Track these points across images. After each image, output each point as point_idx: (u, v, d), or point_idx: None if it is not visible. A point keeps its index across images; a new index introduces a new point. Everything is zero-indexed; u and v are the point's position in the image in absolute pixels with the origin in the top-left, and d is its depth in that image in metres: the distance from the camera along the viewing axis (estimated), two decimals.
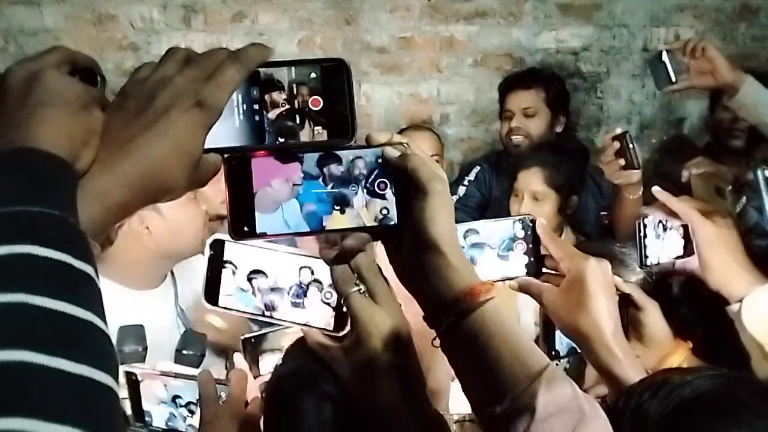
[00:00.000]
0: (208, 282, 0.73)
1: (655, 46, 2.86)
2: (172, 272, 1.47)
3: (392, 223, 0.61)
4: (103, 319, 0.41)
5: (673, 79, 1.76)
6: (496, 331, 0.59)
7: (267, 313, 0.73)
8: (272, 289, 0.73)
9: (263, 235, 0.60)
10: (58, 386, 0.36)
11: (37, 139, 0.47)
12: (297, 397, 0.74)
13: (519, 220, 0.90)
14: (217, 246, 0.73)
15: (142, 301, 1.38)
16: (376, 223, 0.61)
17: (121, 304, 1.31)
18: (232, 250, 0.73)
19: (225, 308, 0.73)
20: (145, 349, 1.17)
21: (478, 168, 2.44)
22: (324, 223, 0.61)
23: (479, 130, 2.87)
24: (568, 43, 2.84)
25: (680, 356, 1.08)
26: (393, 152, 0.61)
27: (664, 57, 1.78)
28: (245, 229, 0.59)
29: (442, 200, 0.60)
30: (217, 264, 0.73)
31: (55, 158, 0.47)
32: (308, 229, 0.60)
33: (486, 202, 2.40)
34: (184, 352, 1.23)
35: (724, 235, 1.11)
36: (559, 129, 2.36)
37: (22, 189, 0.44)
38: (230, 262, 0.73)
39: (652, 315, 1.07)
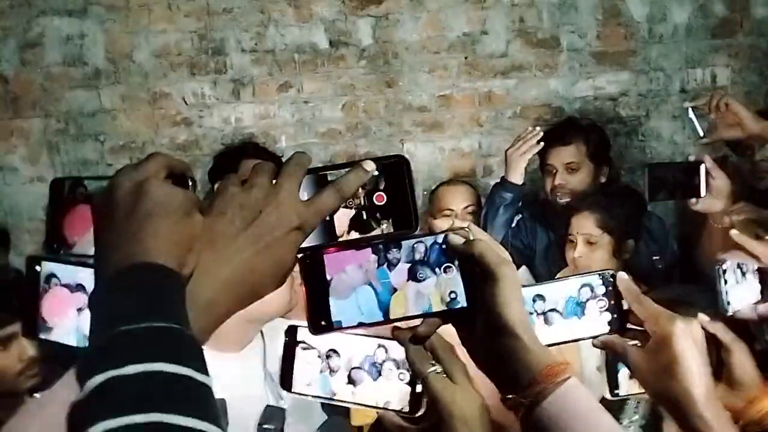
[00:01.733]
0: (282, 367, 0.76)
1: (692, 87, 2.89)
2: (261, 333, 1.47)
3: (461, 306, 0.63)
4: (220, 428, 0.44)
5: (701, 133, 1.80)
6: (577, 411, 0.60)
7: (340, 397, 0.74)
8: (349, 369, 0.74)
9: (339, 328, 0.63)
10: None
11: (150, 252, 0.50)
12: None
13: (598, 275, 0.87)
14: (291, 332, 0.76)
15: (226, 364, 1.41)
16: (445, 307, 0.63)
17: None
18: (307, 335, 0.75)
19: (299, 393, 0.75)
20: (227, 423, 1.22)
21: (520, 216, 2.47)
22: (391, 308, 0.63)
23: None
24: (605, 90, 2.89)
25: None
26: (458, 239, 0.64)
27: (690, 114, 1.83)
28: (323, 323, 0.63)
29: (512, 284, 0.62)
30: (291, 349, 0.76)
31: (167, 271, 0.50)
32: (381, 319, 0.63)
33: (529, 250, 2.41)
34: (266, 426, 1.27)
35: None
36: (603, 179, 2.38)
37: (144, 305, 0.47)
38: (306, 346, 0.76)
39: (739, 356, 1.05)
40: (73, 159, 2.83)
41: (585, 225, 1.97)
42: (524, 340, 0.61)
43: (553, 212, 2.36)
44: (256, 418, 1.28)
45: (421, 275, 0.64)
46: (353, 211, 0.61)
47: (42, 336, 0.79)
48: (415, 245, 0.64)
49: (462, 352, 0.68)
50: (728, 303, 1.17)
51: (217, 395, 1.24)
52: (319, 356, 0.74)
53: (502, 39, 2.85)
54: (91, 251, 0.56)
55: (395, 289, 0.63)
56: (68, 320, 0.79)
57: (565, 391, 0.60)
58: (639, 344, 0.82)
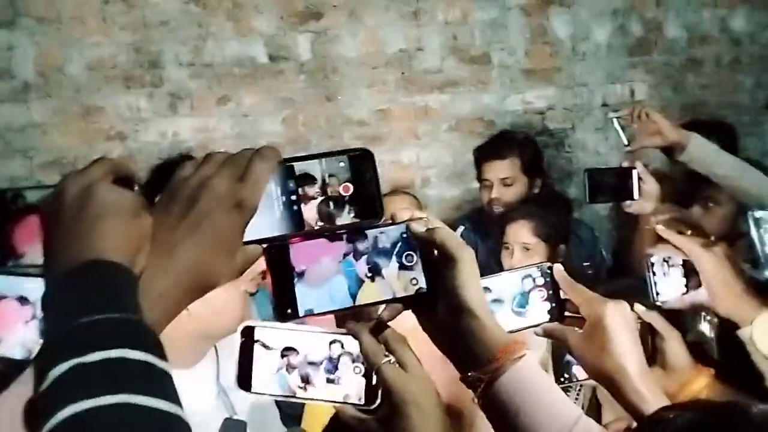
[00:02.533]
0: (240, 368, 0.76)
1: (613, 101, 3.08)
2: (215, 348, 1.46)
3: (423, 291, 0.67)
4: (182, 410, 0.47)
5: (625, 142, 1.96)
6: (532, 386, 0.65)
7: (300, 394, 0.76)
8: (307, 364, 0.76)
9: (305, 316, 0.66)
10: None
11: (100, 251, 0.51)
12: None
13: (537, 267, 0.94)
14: (247, 332, 0.76)
15: (177, 379, 1.40)
16: (407, 293, 0.67)
17: None
18: (262, 333, 0.77)
19: (258, 393, 0.76)
20: None
21: (462, 228, 2.55)
22: (357, 297, 0.67)
23: (459, 190, 3.02)
24: (534, 104, 3.03)
25: (701, 382, 1.13)
26: (420, 227, 0.68)
27: (615, 124, 1.98)
28: (288, 311, 0.66)
29: (470, 267, 0.66)
30: (248, 349, 0.76)
31: (119, 266, 0.51)
32: (346, 305, 0.67)
33: None
34: None
35: (725, 264, 1.22)
36: (536, 190, 2.49)
37: (99, 298, 0.48)
38: (262, 345, 0.76)
39: (673, 343, 1.13)
40: (0, 175, 2.72)
41: (521, 233, 2.07)
42: (482, 319, 0.65)
43: (489, 222, 2.46)
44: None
45: (385, 264, 0.67)
46: (320, 202, 0.63)
47: None
48: (379, 235, 0.68)
49: (414, 343, 0.72)
50: (657, 294, 1.27)
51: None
52: (276, 355, 0.75)
53: (437, 55, 2.95)
54: (40, 260, 0.56)
55: (361, 279, 0.67)
56: (15, 334, 0.79)
57: (521, 367, 0.65)
58: (576, 329, 0.89)
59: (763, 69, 3.17)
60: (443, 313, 0.66)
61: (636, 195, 1.87)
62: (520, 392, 0.64)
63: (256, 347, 0.76)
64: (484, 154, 2.48)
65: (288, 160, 0.61)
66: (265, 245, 0.62)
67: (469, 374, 0.67)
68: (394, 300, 0.68)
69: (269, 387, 0.76)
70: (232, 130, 2.85)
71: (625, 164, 1.94)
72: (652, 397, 0.84)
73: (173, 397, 0.46)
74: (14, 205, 0.72)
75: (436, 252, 0.67)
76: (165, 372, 0.47)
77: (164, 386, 0.46)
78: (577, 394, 1.47)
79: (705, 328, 1.61)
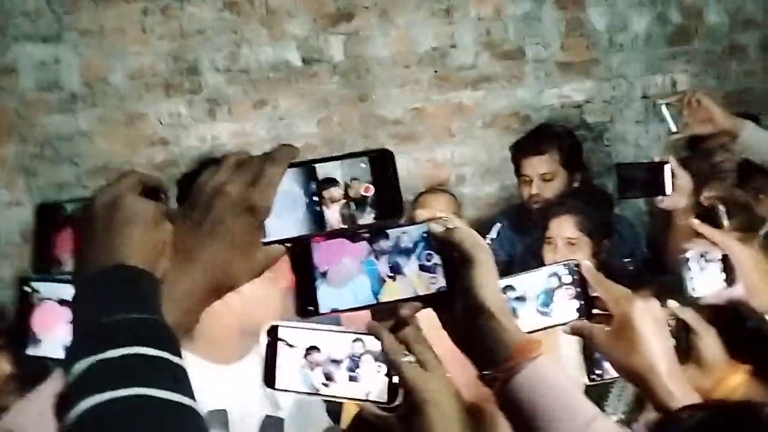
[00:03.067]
0: (266, 365, 0.78)
1: (653, 93, 3.01)
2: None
3: (442, 290, 0.68)
4: (197, 403, 0.50)
5: (674, 129, 1.90)
6: (549, 385, 0.65)
7: (323, 391, 0.77)
8: (329, 362, 0.77)
9: (326, 313, 0.67)
10: None
11: (125, 256, 0.56)
12: None
13: (564, 265, 0.92)
14: (272, 331, 0.78)
15: (224, 375, 1.44)
16: (427, 292, 0.68)
17: (205, 379, 1.38)
18: (286, 332, 0.78)
19: (282, 389, 0.78)
20: None
21: (500, 225, 2.53)
22: (379, 296, 0.68)
23: (494, 188, 3.00)
24: (571, 98, 2.99)
25: (737, 379, 1.11)
26: (438, 227, 0.69)
27: (663, 110, 1.93)
28: (310, 308, 0.68)
29: (488, 267, 0.67)
30: (273, 347, 0.78)
31: (141, 271, 0.55)
32: (366, 303, 0.68)
33: (509, 258, 2.47)
34: None
35: (762, 258, 1.20)
36: (576, 184, 2.45)
37: (121, 300, 0.53)
38: (286, 343, 0.78)
39: (707, 339, 1.12)
40: (50, 182, 2.85)
41: (565, 228, 2.04)
42: (500, 319, 0.66)
43: (528, 219, 2.44)
44: (255, 428, 1.31)
45: (405, 263, 0.69)
46: (342, 205, 0.64)
47: (30, 351, 0.83)
48: (401, 235, 0.69)
49: (435, 343, 0.72)
50: (693, 290, 1.24)
51: (217, 406, 1.28)
52: (299, 353, 0.77)
53: (470, 52, 2.94)
54: None
55: (383, 278, 0.68)
56: (57, 334, 0.83)
57: (537, 365, 0.65)
58: (605, 327, 0.87)
59: None
60: (460, 312, 0.68)
61: (668, 190, 1.83)
62: (536, 391, 0.65)
63: (280, 345, 0.78)
64: (523, 150, 2.45)
65: (309, 162, 0.63)
66: (288, 245, 0.64)
67: (486, 373, 0.68)
68: (415, 298, 0.69)
69: (293, 384, 0.78)
70: (269, 134, 2.90)
71: (657, 159, 1.90)
72: (682, 396, 0.82)
73: (187, 390, 0.50)
74: (57, 217, 0.77)
75: (455, 252, 0.68)
76: (179, 367, 0.51)
77: (178, 380, 0.50)
78: (620, 396, 1.45)
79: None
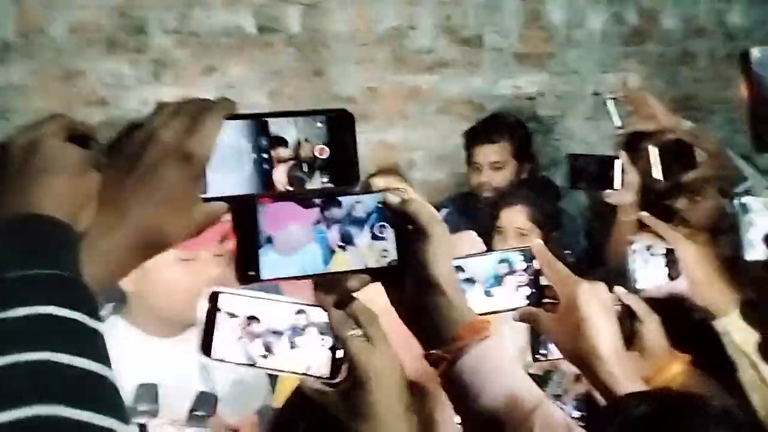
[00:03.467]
0: (203, 333, 0.75)
1: (605, 90, 3.04)
2: None
3: (393, 264, 0.65)
4: (112, 371, 0.44)
5: (618, 124, 1.93)
6: (495, 368, 0.64)
7: (261, 363, 0.75)
8: (270, 333, 0.75)
9: (268, 279, 0.63)
10: None
11: (40, 206, 0.49)
12: None
13: (520, 251, 0.93)
14: (213, 297, 0.75)
15: (162, 349, 1.38)
16: (378, 265, 0.65)
17: (140, 352, 1.32)
18: (227, 300, 0.75)
19: (218, 359, 0.75)
20: (157, 408, 1.20)
21: (446, 210, 2.53)
22: (327, 266, 0.64)
23: (444, 173, 2.98)
24: (524, 90, 2.99)
25: (677, 368, 1.14)
26: (394, 198, 0.66)
27: (609, 105, 1.95)
28: (250, 273, 0.62)
29: (443, 242, 0.64)
30: (212, 315, 0.75)
31: (58, 222, 0.49)
32: (314, 272, 0.64)
33: None
34: (196, 412, 1.26)
35: (707, 254, 1.23)
36: (524, 176, 2.48)
37: (33, 253, 0.46)
38: (226, 311, 0.75)
39: (651, 327, 1.14)
40: None
41: (517, 218, 2.06)
42: (450, 296, 0.64)
43: (476, 206, 2.44)
44: (187, 404, 1.26)
45: (357, 233, 0.65)
46: (291, 165, 0.59)
47: None
48: (354, 204, 0.65)
49: (383, 318, 0.71)
50: (636, 281, 1.27)
51: (150, 380, 1.22)
52: (239, 322, 0.74)
53: (428, 35, 2.90)
54: None
55: (332, 247, 0.64)
56: None
57: (485, 347, 0.63)
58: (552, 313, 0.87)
59: None
60: (411, 287, 0.65)
61: (617, 185, 1.86)
62: (482, 373, 0.63)
63: (220, 313, 0.74)
64: (475, 137, 2.47)
65: (262, 115, 0.58)
66: (232, 204, 0.59)
67: (432, 351, 0.65)
68: (364, 270, 0.65)
69: (230, 354, 0.74)
70: None
71: (609, 153, 1.93)
72: (625, 380, 0.82)
73: (102, 357, 0.43)
74: None
75: (409, 225, 0.65)
76: (95, 331, 0.45)
77: (92, 346, 0.44)
78: (560, 380, 1.46)
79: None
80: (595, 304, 0.83)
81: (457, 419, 0.71)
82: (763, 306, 1.17)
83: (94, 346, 0.44)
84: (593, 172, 1.97)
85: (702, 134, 1.75)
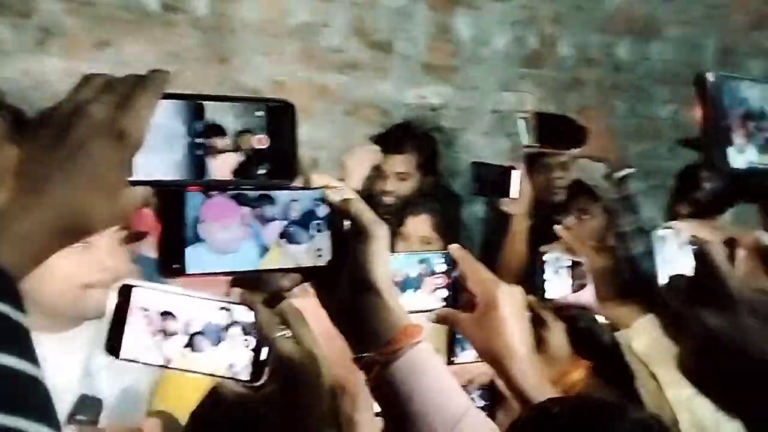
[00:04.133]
0: (111, 331, 0.68)
1: (503, 108, 3.16)
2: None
3: (326, 262, 0.63)
4: (41, 371, 0.40)
5: (527, 141, 2.02)
6: (427, 373, 0.63)
7: (176, 364, 0.69)
8: (187, 333, 0.69)
9: (194, 274, 0.59)
10: None
11: None
12: None
13: (441, 254, 0.94)
14: (124, 291, 0.69)
15: (45, 346, 1.22)
16: (312, 263, 0.63)
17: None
18: (141, 294, 0.69)
19: (127, 359, 0.68)
20: None
21: None
22: (259, 263, 0.61)
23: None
24: (429, 100, 3.04)
25: (579, 374, 1.19)
26: (335, 196, 0.64)
27: (520, 123, 2.03)
28: (175, 266, 0.58)
29: (383, 244, 0.63)
30: (122, 311, 0.68)
31: None
32: (244, 269, 0.61)
33: None
34: (78, 417, 1.14)
35: (612, 269, 1.29)
36: (426, 187, 2.53)
37: None
38: (139, 307, 0.69)
39: (555, 333, 1.20)
40: None
41: (422, 227, 2.09)
42: (386, 299, 0.63)
43: (376, 212, 2.42)
44: (67, 408, 1.13)
45: (293, 232, 0.62)
46: (235, 157, 0.57)
47: None
48: (290, 200, 0.62)
49: (310, 317, 0.69)
50: (544, 291, 1.33)
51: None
52: (153, 319, 0.68)
53: (340, 35, 2.86)
54: None
55: (266, 244, 0.61)
56: None
57: (417, 352, 0.63)
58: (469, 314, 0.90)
59: (638, 98, 3.40)
60: (346, 287, 0.63)
61: (513, 194, 1.97)
62: (414, 378, 0.62)
63: (132, 309, 0.68)
64: (384, 146, 2.49)
65: (199, 97, 0.55)
66: (159, 190, 0.57)
67: (365, 355, 0.63)
68: (295, 269, 0.63)
69: (141, 354, 0.68)
70: None
71: (507, 164, 2.02)
72: (537, 381, 0.86)
73: (28, 354, 0.38)
74: None
75: (345, 224, 0.64)
76: (20, 325, 0.40)
77: (19, 341, 0.39)
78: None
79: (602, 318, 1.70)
80: (513, 306, 0.87)
81: (380, 423, 0.70)
82: (675, 324, 1.24)
83: (21, 342, 0.39)
84: (493, 180, 2.04)
85: (594, 116, 1.87)
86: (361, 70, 2.90)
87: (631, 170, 1.72)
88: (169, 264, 0.58)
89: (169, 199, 0.58)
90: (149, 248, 2.01)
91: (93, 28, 2.56)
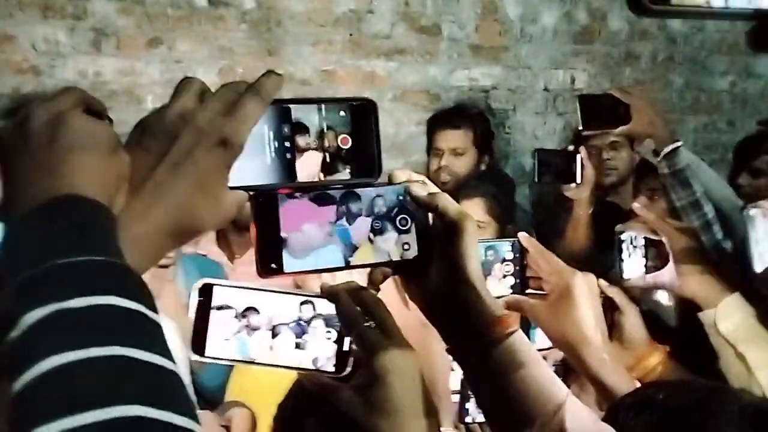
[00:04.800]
0: (195, 330, 0.69)
1: (554, 87, 3.10)
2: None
3: (415, 257, 0.63)
4: (177, 366, 0.40)
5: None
6: (523, 361, 0.63)
7: (261, 360, 0.70)
8: (270, 328, 0.70)
9: (291, 272, 0.60)
10: None
11: (75, 186, 0.45)
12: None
13: (508, 242, 0.94)
14: (205, 290, 0.69)
15: None
16: (399, 258, 0.63)
17: None
18: (222, 292, 0.70)
19: (213, 357, 0.69)
20: None
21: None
22: (350, 260, 0.62)
23: (399, 162, 2.92)
24: (479, 82, 3.00)
25: (656, 359, 1.15)
26: (420, 190, 0.63)
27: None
28: (273, 266, 0.59)
29: (473, 237, 0.63)
30: (204, 310, 0.69)
31: (98, 204, 0.45)
32: (335, 266, 0.62)
33: None
34: None
35: (696, 247, 1.25)
36: (483, 167, 2.50)
37: (78, 238, 0.42)
38: (222, 305, 0.69)
39: (632, 318, 1.15)
40: None
41: (475, 211, 2.06)
42: (480, 291, 0.63)
43: None
44: None
45: (380, 228, 0.63)
46: (320, 155, 0.58)
47: None
48: (375, 197, 0.63)
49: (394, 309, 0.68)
50: (623, 271, 1.29)
51: None
52: (235, 316, 0.69)
53: (387, 21, 2.84)
54: None
55: (354, 243, 0.62)
56: None
57: (513, 341, 0.63)
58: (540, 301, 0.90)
59: (693, 70, 3.29)
60: (438, 282, 0.64)
61: (579, 179, 1.92)
62: (511, 367, 0.62)
63: (214, 307, 0.69)
64: (439, 122, 2.50)
65: (284, 101, 0.56)
66: (252, 193, 0.57)
67: (461, 345, 0.64)
68: (385, 264, 0.63)
69: (226, 351, 0.69)
70: (162, 76, 2.62)
71: (570, 147, 1.97)
72: (615, 368, 0.87)
73: (167, 351, 0.40)
74: None
75: (431, 218, 0.64)
76: (157, 324, 0.41)
77: (157, 339, 0.40)
78: None
79: (662, 297, 1.66)
80: (587, 294, 0.87)
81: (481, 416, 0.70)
82: None
83: (160, 339, 0.40)
84: (557, 165, 2.00)
85: (635, 93, 1.82)
86: (409, 55, 2.88)
87: (679, 143, 1.68)
88: (268, 264, 0.59)
89: (262, 202, 0.59)
90: (195, 247, 2.05)
91: (144, 26, 2.60)
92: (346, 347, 0.69)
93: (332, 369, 0.70)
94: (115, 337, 0.37)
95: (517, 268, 0.93)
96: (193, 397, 1.12)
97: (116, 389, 0.35)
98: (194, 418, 0.37)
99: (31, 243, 0.42)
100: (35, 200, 0.44)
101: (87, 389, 0.35)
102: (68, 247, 0.41)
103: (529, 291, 0.93)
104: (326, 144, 0.57)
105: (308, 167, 0.58)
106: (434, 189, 0.64)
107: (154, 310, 0.41)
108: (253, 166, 0.55)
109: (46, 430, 0.33)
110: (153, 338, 0.39)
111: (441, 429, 0.70)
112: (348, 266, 0.62)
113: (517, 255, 0.93)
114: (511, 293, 0.92)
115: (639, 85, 3.21)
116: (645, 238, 1.29)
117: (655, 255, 1.30)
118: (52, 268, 0.39)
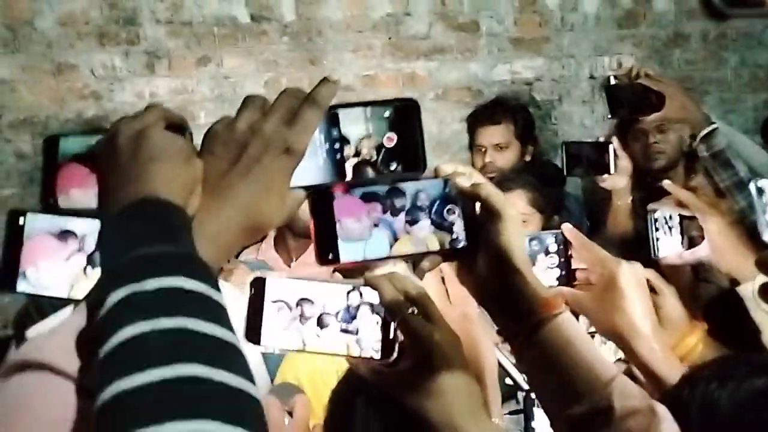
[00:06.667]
0: (249, 321, 0.74)
1: (600, 74, 3.05)
2: None
3: (462, 245, 0.67)
4: (239, 341, 0.46)
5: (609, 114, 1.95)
6: (571, 340, 0.65)
7: (312, 347, 0.74)
8: (323, 315, 0.74)
9: (347, 262, 0.66)
10: (227, 396, 0.41)
11: (154, 191, 0.53)
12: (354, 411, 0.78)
13: (552, 234, 0.95)
14: (258, 284, 0.75)
15: None
16: (446, 247, 0.67)
17: None
18: (274, 285, 0.75)
19: (268, 346, 0.75)
20: None
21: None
22: (393, 250, 0.67)
23: (443, 160, 2.93)
24: (521, 75, 2.99)
25: (696, 337, 1.13)
26: (465, 182, 0.67)
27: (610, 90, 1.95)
28: (330, 257, 0.66)
29: (516, 223, 0.66)
30: (258, 302, 0.75)
31: (174, 205, 0.53)
32: (384, 256, 0.67)
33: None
34: None
35: (730, 222, 1.25)
36: (528, 158, 2.49)
37: (156, 232, 0.50)
38: (275, 297, 0.75)
39: (669, 298, 1.13)
40: None
41: (517, 203, 2.04)
42: (526, 275, 0.66)
43: None
44: None
45: (423, 218, 0.67)
46: (367, 155, 0.62)
47: (22, 289, 0.75)
48: (419, 189, 0.67)
49: (437, 304, 0.72)
50: (657, 249, 1.28)
51: None
52: (288, 306, 0.74)
53: (424, 21, 2.88)
54: (83, 204, 0.61)
55: (397, 235, 0.67)
56: (54, 270, 0.76)
57: (560, 322, 0.65)
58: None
59: (747, 46, 3.17)
60: (486, 268, 0.67)
61: (612, 169, 1.89)
62: (559, 346, 0.65)
63: (267, 299, 0.74)
64: (479, 119, 2.50)
65: (334, 107, 0.61)
66: (309, 192, 0.63)
67: (510, 326, 0.67)
68: (435, 253, 0.68)
69: (279, 341, 0.74)
70: (213, 93, 2.75)
71: (601, 138, 1.95)
72: (665, 356, 0.86)
73: (228, 325, 0.46)
74: (58, 150, 0.71)
75: (477, 207, 0.67)
76: (221, 304, 0.47)
77: (220, 316, 0.46)
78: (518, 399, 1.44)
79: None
80: (634, 284, 0.86)
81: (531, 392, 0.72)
82: None
83: (223, 315, 0.46)
84: (588, 157, 1.98)
85: (665, 80, 1.78)
86: (449, 54, 2.91)
87: (715, 125, 1.65)
88: (326, 254, 0.66)
89: (318, 198, 0.65)
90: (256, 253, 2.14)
91: (193, 46, 2.73)
92: (391, 333, 0.73)
93: (379, 355, 0.73)
94: (180, 311, 0.44)
95: (562, 259, 0.93)
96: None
97: (179, 351, 0.42)
98: (250, 380, 0.43)
99: (118, 239, 0.50)
100: (121, 203, 0.52)
101: (155, 352, 0.41)
102: (146, 241, 0.48)
103: (576, 283, 0.93)
104: (373, 143, 0.62)
105: (358, 167, 0.63)
106: (479, 179, 0.68)
107: (219, 291, 0.48)
108: (308, 167, 0.60)
109: (123, 384, 0.40)
110: (214, 313, 0.46)
111: (492, 419, 0.73)
112: (390, 257, 0.67)
113: (561, 247, 0.93)
114: (557, 285, 0.93)
115: (690, 66, 3.13)
116: (680, 215, 1.29)
117: (691, 231, 1.30)
118: (131, 258, 0.47)
